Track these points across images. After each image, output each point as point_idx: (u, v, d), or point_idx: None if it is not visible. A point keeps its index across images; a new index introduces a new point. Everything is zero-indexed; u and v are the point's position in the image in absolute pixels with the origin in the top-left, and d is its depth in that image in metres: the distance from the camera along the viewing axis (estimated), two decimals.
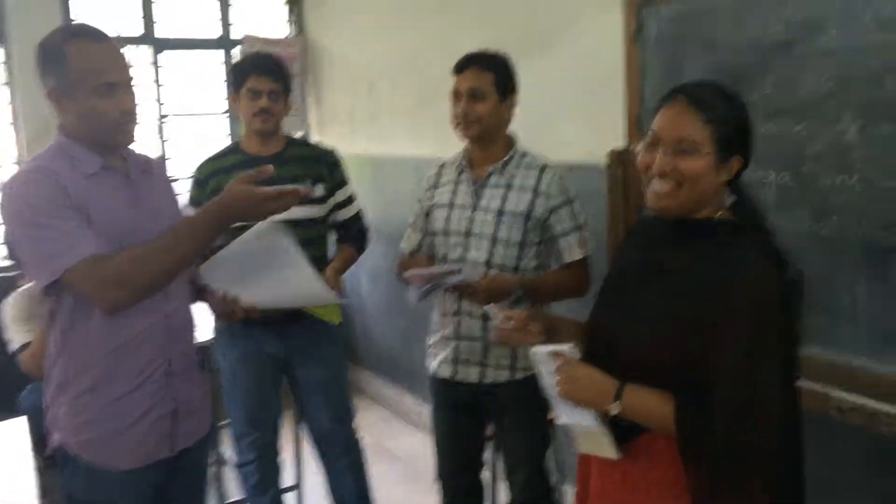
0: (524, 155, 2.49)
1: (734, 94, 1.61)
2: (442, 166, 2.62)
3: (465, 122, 2.41)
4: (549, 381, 1.66)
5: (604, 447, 1.63)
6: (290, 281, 2.16)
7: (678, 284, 1.55)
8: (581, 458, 1.78)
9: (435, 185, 2.61)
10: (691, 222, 1.59)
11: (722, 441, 1.46)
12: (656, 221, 1.68)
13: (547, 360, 1.66)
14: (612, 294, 1.76)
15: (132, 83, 1.91)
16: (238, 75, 2.84)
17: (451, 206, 2.52)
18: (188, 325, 2.09)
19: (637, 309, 1.61)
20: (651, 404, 1.54)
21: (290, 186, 1.87)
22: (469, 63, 2.43)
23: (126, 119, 1.89)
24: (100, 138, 1.90)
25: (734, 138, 1.55)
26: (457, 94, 2.44)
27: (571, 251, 2.42)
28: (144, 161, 2.05)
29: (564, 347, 1.63)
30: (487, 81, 2.40)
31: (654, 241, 1.66)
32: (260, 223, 2.02)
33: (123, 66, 1.88)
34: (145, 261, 1.80)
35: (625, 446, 1.61)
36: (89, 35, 1.84)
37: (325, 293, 2.29)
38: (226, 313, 2.16)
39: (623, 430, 1.60)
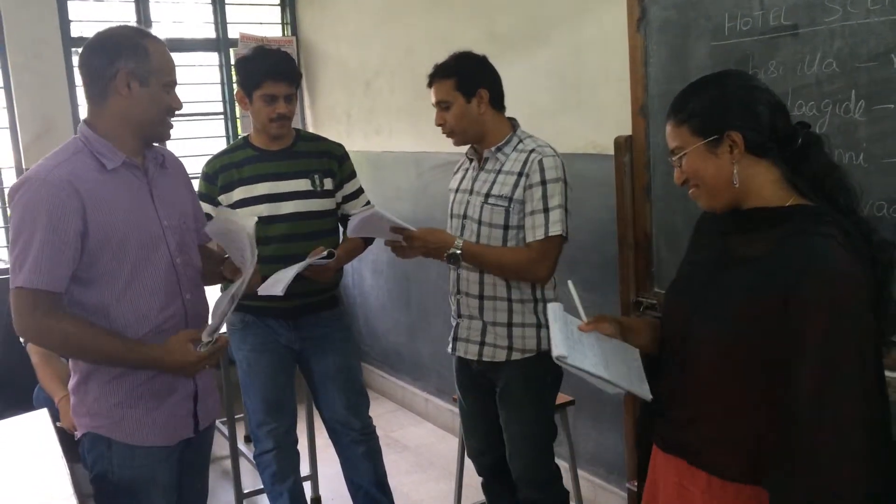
0: (521, 140, 2.52)
1: (712, 78, 1.63)
2: (465, 154, 2.69)
3: (444, 132, 2.55)
4: (565, 330, 1.72)
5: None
6: None
7: (753, 274, 1.51)
8: (654, 454, 1.76)
9: (456, 172, 2.71)
10: (763, 210, 1.56)
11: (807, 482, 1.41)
12: (725, 212, 1.65)
13: (559, 314, 1.76)
14: (683, 286, 1.74)
15: None
16: (250, 77, 2.77)
17: (457, 191, 2.64)
18: (203, 311, 2.19)
19: (710, 300, 1.59)
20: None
21: (224, 338, 2.08)
22: (433, 76, 2.55)
23: (173, 115, 2.07)
24: (146, 130, 2.03)
25: (713, 120, 1.56)
26: (435, 106, 2.56)
27: (534, 230, 2.41)
28: (161, 155, 2.14)
29: None
30: (449, 89, 2.49)
31: (725, 231, 1.64)
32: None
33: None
34: (72, 339, 1.93)
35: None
36: (160, 39, 2.04)
37: None
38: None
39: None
